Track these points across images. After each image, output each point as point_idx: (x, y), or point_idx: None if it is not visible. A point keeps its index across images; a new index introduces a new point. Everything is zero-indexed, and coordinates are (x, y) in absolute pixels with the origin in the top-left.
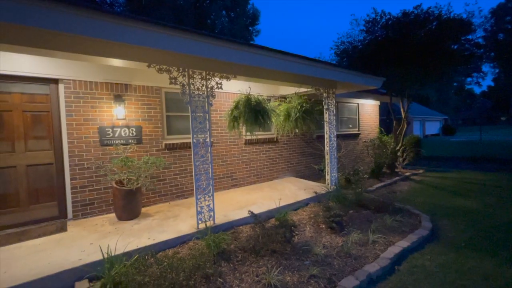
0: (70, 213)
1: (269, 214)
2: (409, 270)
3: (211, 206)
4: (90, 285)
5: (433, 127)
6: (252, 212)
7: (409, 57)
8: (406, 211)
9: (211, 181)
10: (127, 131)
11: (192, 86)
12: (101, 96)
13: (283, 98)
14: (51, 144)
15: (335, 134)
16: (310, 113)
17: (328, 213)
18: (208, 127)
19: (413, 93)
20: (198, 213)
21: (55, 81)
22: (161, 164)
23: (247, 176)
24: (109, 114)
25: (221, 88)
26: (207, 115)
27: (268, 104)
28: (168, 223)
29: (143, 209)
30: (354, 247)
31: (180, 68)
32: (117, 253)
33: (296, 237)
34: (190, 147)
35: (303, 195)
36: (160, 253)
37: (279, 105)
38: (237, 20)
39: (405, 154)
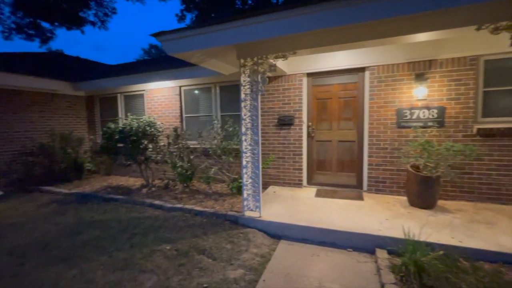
0: (365, 186)
1: None
2: None
3: None
4: (389, 257)
5: None
6: None
7: None
8: None
9: None
10: (426, 112)
11: None
12: (402, 78)
13: None
14: (354, 124)
15: None
16: None
17: None
18: None
19: None
20: None
21: (362, 70)
22: (472, 154)
23: None
24: (407, 95)
25: None
26: None
27: None
28: (478, 228)
29: (439, 202)
30: None
31: None
32: (415, 239)
33: None
34: None
35: None
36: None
37: None
38: None
39: None
